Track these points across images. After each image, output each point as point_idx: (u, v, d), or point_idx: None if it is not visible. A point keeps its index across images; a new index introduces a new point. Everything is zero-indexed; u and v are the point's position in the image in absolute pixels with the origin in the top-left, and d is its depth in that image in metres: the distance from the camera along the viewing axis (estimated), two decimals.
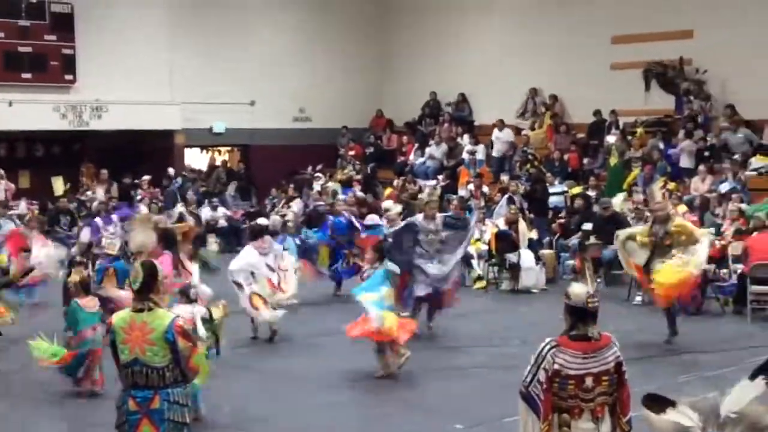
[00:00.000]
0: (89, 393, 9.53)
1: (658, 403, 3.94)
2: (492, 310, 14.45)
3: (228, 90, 24.57)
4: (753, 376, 4.08)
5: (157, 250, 9.88)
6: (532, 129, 23.34)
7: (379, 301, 10.18)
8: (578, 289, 5.62)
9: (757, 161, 18.73)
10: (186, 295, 8.74)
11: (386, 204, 17.18)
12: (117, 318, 5.89)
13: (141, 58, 23.24)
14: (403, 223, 13.06)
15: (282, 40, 25.86)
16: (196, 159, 26.13)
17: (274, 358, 11.59)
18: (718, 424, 3.69)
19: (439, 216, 12.75)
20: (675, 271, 10.93)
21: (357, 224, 15.50)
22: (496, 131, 23.11)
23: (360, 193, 21.63)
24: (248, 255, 12.29)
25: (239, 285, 12.03)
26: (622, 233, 11.97)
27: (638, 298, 14.15)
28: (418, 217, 12.74)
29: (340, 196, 19.60)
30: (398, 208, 16.01)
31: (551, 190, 19.96)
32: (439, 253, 12.37)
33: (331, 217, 15.45)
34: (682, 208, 17.39)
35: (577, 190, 19.78)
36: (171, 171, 23.07)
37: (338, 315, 12.19)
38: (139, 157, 23.74)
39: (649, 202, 12.57)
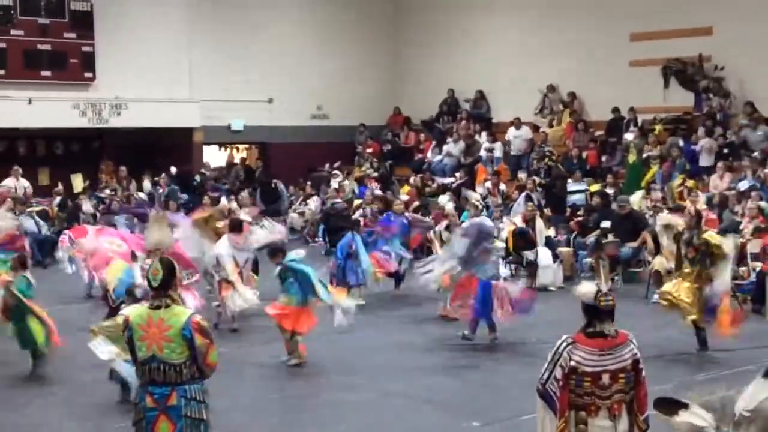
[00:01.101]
0: None
1: (669, 405, 3.94)
2: None
3: (246, 87, 24.65)
4: (766, 374, 4.07)
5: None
6: (551, 126, 23.28)
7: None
8: (584, 288, 5.63)
9: None
10: (132, 295, 8.59)
11: (442, 200, 17.13)
12: (134, 315, 5.90)
13: (160, 55, 23.35)
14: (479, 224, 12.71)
15: (300, 37, 25.90)
16: (214, 156, 26.20)
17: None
18: (733, 423, 3.68)
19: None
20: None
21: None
22: (513, 129, 23.06)
23: (378, 192, 21.69)
24: (221, 244, 12.50)
25: (210, 274, 12.54)
26: (662, 218, 11.96)
27: (656, 296, 14.07)
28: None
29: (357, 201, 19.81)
30: (452, 205, 15.91)
31: (573, 187, 19.89)
32: None
33: (392, 217, 15.39)
34: (701, 205, 17.33)
35: (595, 187, 19.73)
36: (173, 170, 22.74)
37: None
38: (158, 154, 23.84)
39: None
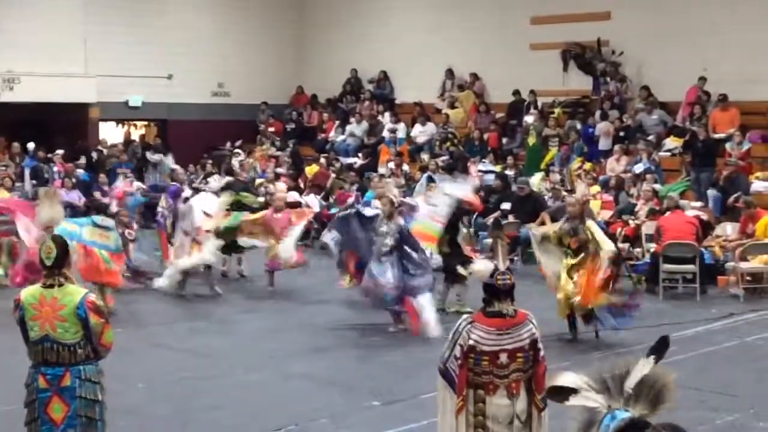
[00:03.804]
0: None
1: (560, 392, 4.00)
2: None
3: (145, 63, 24.11)
4: (650, 353, 4.17)
5: None
6: (452, 107, 23.38)
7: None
8: (478, 266, 5.66)
9: (670, 142, 19.11)
10: None
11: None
12: (26, 294, 5.74)
13: (54, 28, 22.68)
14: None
15: (201, 12, 25.48)
16: (111, 133, 25.59)
17: (191, 336, 11.48)
18: (623, 400, 3.75)
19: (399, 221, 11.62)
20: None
21: None
22: (418, 126, 22.93)
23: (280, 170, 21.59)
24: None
25: None
26: (537, 232, 11.68)
27: None
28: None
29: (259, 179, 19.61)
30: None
31: (481, 168, 19.98)
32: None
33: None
34: (596, 188, 17.70)
35: (496, 169, 19.94)
36: (30, 146, 21.65)
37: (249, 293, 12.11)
38: (52, 130, 23.19)
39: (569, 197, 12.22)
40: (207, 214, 13.67)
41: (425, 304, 10.95)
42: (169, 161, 21.43)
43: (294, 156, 23.21)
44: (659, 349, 4.12)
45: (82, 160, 22.28)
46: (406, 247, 11.18)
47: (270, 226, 13.79)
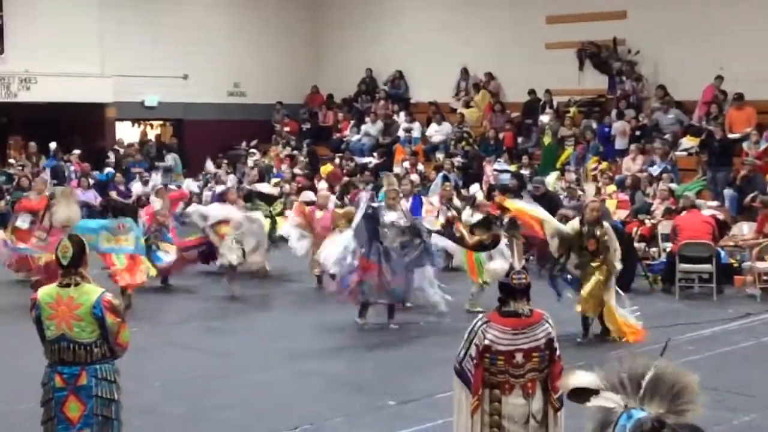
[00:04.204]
0: None
1: (581, 394, 3.99)
2: None
3: (161, 63, 24.22)
4: (662, 352, 4.16)
5: None
6: (467, 107, 23.34)
7: None
8: (495, 266, 5.64)
9: (686, 141, 19.03)
10: None
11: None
12: (43, 293, 5.75)
13: (71, 29, 22.80)
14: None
15: (216, 12, 25.57)
16: (127, 133, 25.70)
17: (206, 335, 11.50)
18: (639, 399, 3.74)
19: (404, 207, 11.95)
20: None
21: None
22: (434, 125, 22.96)
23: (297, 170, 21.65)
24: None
25: None
26: (549, 228, 11.51)
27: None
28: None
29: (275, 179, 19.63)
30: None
31: (496, 167, 19.94)
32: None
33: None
34: (612, 188, 17.65)
35: (511, 168, 19.90)
36: (52, 146, 21.92)
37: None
38: (69, 130, 23.29)
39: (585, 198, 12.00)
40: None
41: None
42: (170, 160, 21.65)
43: (311, 156, 23.24)
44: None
45: (112, 158, 22.35)
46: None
47: (312, 223, 13.84)
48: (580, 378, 4.17)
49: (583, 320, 11.00)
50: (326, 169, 21.96)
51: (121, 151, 23.41)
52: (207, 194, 19.43)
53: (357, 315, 11.66)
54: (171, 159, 23.36)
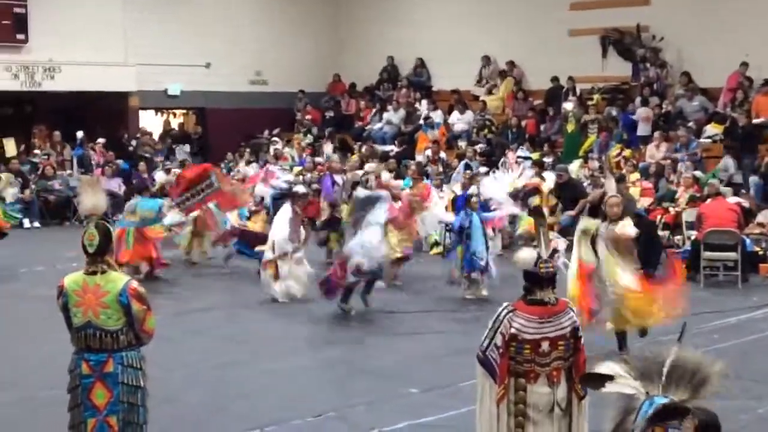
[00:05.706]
0: None
1: (595, 379, 3.96)
2: (447, 275, 14.43)
3: (183, 52, 24.25)
4: (679, 339, 4.13)
5: None
6: (489, 94, 23.25)
7: None
8: (523, 254, 5.61)
9: (711, 129, 18.89)
10: None
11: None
12: (69, 281, 5.78)
13: (95, 18, 22.86)
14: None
15: (238, 1, 25.59)
16: (150, 122, 25.79)
17: (229, 323, 11.55)
18: (661, 386, 3.72)
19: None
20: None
21: None
22: (456, 113, 22.91)
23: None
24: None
25: None
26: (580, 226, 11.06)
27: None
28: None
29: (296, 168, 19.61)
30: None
31: (519, 154, 19.84)
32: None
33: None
34: (636, 175, 17.55)
35: (534, 156, 19.81)
36: (79, 134, 22.08)
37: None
38: (93, 119, 23.40)
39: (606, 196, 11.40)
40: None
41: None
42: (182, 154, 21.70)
43: (342, 142, 23.20)
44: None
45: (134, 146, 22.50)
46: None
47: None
48: (604, 367, 4.16)
49: (618, 333, 9.86)
50: (351, 158, 21.91)
51: (143, 140, 23.46)
52: None
53: (340, 300, 11.60)
54: (183, 153, 23.36)
